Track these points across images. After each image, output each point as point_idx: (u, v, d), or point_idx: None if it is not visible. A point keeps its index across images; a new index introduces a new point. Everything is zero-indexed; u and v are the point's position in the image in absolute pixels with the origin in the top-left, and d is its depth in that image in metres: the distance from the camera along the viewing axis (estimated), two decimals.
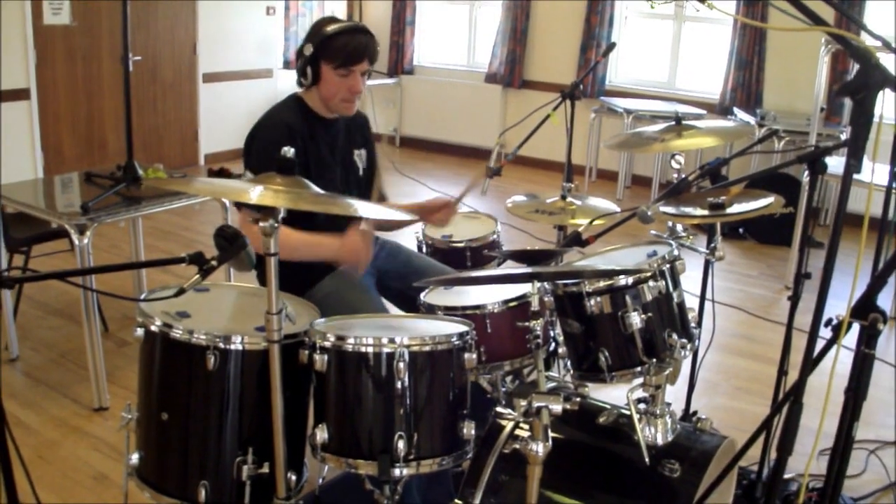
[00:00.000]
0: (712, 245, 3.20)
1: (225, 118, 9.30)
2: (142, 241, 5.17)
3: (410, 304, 3.11)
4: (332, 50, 3.01)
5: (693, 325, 2.76)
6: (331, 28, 3.01)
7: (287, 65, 9.93)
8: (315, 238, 2.98)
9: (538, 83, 9.62)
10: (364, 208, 2.34)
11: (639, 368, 2.56)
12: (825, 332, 2.05)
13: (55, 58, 7.59)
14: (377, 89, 10.36)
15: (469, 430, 2.31)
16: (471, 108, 10.09)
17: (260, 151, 3.03)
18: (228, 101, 9.36)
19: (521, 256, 2.77)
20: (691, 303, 2.81)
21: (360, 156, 3.37)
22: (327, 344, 2.25)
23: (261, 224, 1.99)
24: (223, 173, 8.41)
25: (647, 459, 2.39)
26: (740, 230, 7.29)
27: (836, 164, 4.78)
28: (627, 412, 2.56)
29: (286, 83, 9.77)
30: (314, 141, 3.10)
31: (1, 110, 7.11)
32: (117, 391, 4.13)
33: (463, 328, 2.39)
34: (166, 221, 6.99)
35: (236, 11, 9.29)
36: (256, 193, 2.00)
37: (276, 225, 2.01)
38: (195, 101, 9.11)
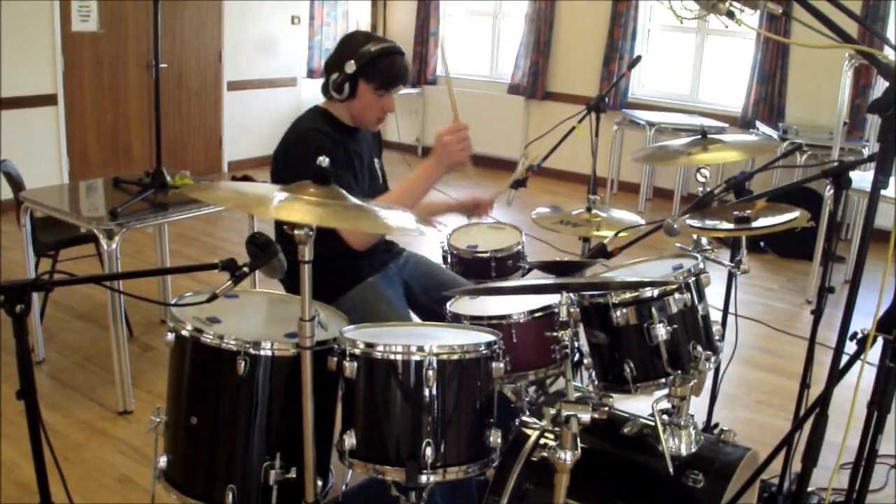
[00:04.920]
0: (738, 258, 3.22)
1: (249, 126, 9.36)
2: (167, 247, 5.21)
3: (435, 317, 3.13)
4: (375, 71, 3.05)
5: (717, 337, 2.78)
6: (374, 48, 3.04)
7: (311, 74, 9.99)
8: (411, 179, 3.03)
9: (561, 95, 9.64)
10: (395, 216, 2.36)
11: (663, 380, 2.57)
12: (849, 347, 2.07)
13: (82, 64, 7.67)
14: (400, 99, 10.39)
15: (495, 438, 2.33)
16: (493, 119, 10.10)
17: (308, 162, 3.03)
18: (252, 109, 9.43)
19: (547, 267, 2.79)
20: (714, 316, 2.83)
21: (379, 165, 3.43)
22: (357, 351, 2.27)
23: (296, 232, 2.02)
24: (246, 181, 8.45)
25: (671, 470, 2.41)
26: (761, 244, 7.29)
27: (858, 178, 4.78)
28: (651, 423, 2.57)
29: (310, 92, 9.83)
30: (347, 150, 3.13)
31: (28, 116, 7.20)
32: (142, 395, 4.17)
33: (491, 337, 2.41)
34: (191, 227, 7.03)
35: (261, 20, 9.35)
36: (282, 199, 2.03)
37: (311, 233, 2.03)
38: (220, 109, 9.18)
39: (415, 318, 3.36)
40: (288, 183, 2.80)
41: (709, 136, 3.17)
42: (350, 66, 3.04)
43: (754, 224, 2.88)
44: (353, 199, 2.16)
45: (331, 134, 3.08)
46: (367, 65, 3.04)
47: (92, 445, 3.76)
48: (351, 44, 3.10)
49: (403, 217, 2.36)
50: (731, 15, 2.15)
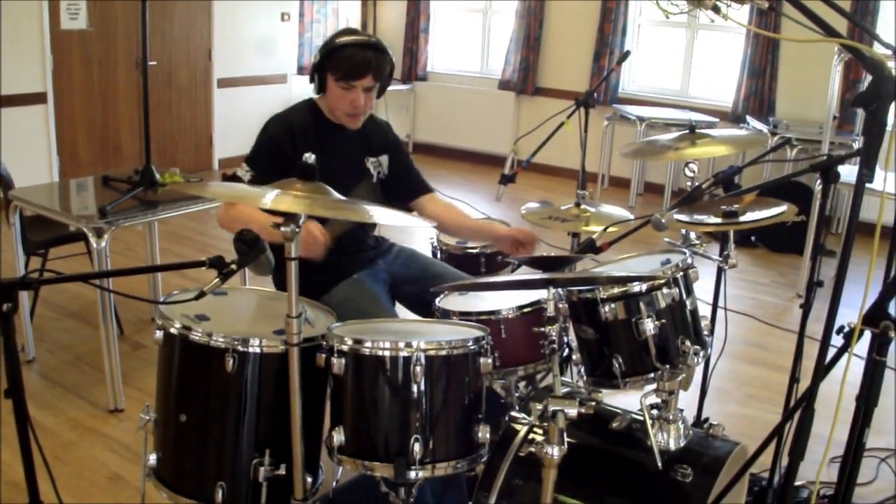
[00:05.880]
0: (725, 253, 3.22)
1: (239, 123, 9.33)
2: (157, 245, 5.20)
3: (426, 309, 3.13)
4: (335, 62, 3.04)
5: (706, 332, 2.78)
6: (341, 40, 3.03)
7: (301, 71, 9.97)
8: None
9: (551, 90, 9.63)
10: (381, 214, 2.36)
11: (652, 374, 2.58)
12: (837, 340, 2.07)
13: (71, 62, 7.65)
14: (391, 95, 10.37)
15: (484, 433, 2.33)
16: (484, 115, 10.11)
17: (259, 146, 3.14)
18: (243, 107, 9.40)
19: (536, 263, 2.79)
20: (703, 310, 2.83)
21: (375, 163, 3.35)
22: (345, 347, 2.27)
23: (282, 229, 2.03)
24: (236, 178, 8.44)
25: (659, 464, 2.41)
26: (752, 238, 7.30)
27: (848, 172, 4.78)
28: (640, 417, 2.58)
29: (300, 89, 9.81)
30: (322, 146, 3.09)
31: (18, 114, 7.18)
32: (132, 393, 4.16)
33: (479, 333, 2.41)
34: (180, 225, 7.02)
35: (251, 17, 9.33)
36: (272, 198, 2.03)
37: (297, 230, 2.04)
38: (210, 106, 9.15)
39: (406, 312, 3.36)
40: (247, 158, 2.80)
41: (697, 130, 3.17)
42: (316, 58, 3.07)
43: (742, 218, 2.89)
44: (336, 194, 2.17)
45: (299, 129, 3.12)
46: (329, 55, 3.04)
47: (83, 444, 3.75)
48: (328, 38, 3.11)
49: (395, 216, 2.37)
50: (716, 9, 2.15)
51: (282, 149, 3.08)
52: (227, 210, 3.09)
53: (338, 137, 3.21)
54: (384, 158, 3.38)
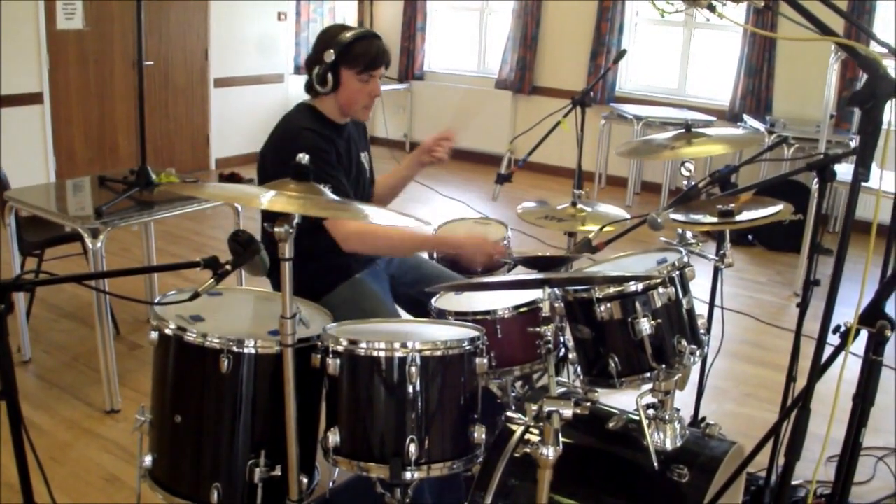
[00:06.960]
0: (721, 252, 3.21)
1: (236, 123, 9.32)
2: (153, 245, 5.19)
3: (422, 310, 3.12)
4: (354, 56, 3.06)
5: (702, 331, 2.77)
6: (349, 35, 3.06)
7: (298, 70, 9.96)
8: (423, 233, 3.16)
9: (548, 89, 9.63)
10: (378, 214, 2.35)
11: (648, 374, 2.56)
12: (833, 339, 2.07)
13: (68, 62, 7.64)
14: (388, 95, 10.39)
15: (480, 434, 2.33)
16: (481, 114, 10.09)
17: (319, 156, 3.02)
18: (239, 106, 9.40)
19: (531, 262, 2.79)
20: (700, 309, 2.82)
21: (366, 159, 3.42)
22: (340, 348, 2.27)
23: (276, 229, 2.02)
24: (234, 178, 8.45)
25: (655, 464, 2.41)
26: (749, 237, 7.29)
27: (844, 170, 4.78)
28: (636, 417, 2.57)
29: (297, 88, 9.79)
30: (333, 146, 3.13)
31: (14, 114, 7.17)
32: (129, 394, 4.16)
33: (474, 333, 2.41)
34: (177, 226, 7.01)
35: (248, 17, 9.32)
36: (269, 199, 2.02)
37: (290, 230, 2.03)
38: (206, 106, 9.14)
39: (403, 314, 3.35)
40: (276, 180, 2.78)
41: (693, 129, 3.16)
42: (329, 56, 3.05)
43: (739, 217, 2.88)
44: (332, 195, 2.16)
45: (321, 132, 3.08)
46: (345, 51, 3.05)
47: (79, 445, 3.75)
48: (327, 36, 3.12)
49: (389, 215, 2.36)
50: (711, 8, 2.15)
51: (328, 156, 3.10)
52: (351, 229, 3.05)
53: (340, 136, 3.22)
54: (367, 155, 3.46)
